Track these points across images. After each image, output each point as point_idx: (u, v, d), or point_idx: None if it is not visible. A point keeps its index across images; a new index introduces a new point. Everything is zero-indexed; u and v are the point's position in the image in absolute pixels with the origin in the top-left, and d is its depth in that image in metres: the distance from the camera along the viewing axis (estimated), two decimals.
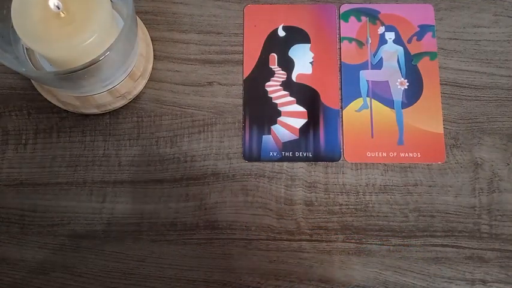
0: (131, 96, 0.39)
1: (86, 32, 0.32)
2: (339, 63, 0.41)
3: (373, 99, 0.40)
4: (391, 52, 0.41)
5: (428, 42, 0.41)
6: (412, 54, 0.41)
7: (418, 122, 0.39)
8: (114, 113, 0.40)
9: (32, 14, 0.32)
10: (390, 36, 0.41)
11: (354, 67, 0.41)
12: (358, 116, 0.40)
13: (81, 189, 0.38)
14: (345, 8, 0.42)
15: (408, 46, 0.41)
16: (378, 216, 0.38)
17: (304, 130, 0.39)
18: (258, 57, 0.41)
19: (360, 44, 0.41)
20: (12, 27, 0.32)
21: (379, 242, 0.37)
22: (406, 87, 0.40)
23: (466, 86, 0.40)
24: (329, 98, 0.40)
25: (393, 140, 0.39)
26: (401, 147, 0.39)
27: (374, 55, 0.41)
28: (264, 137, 0.39)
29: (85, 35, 0.32)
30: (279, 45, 0.41)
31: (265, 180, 0.38)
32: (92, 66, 0.31)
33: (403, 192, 0.38)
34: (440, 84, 0.40)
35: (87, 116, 0.39)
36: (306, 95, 0.40)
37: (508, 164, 0.39)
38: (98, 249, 0.37)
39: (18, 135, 0.39)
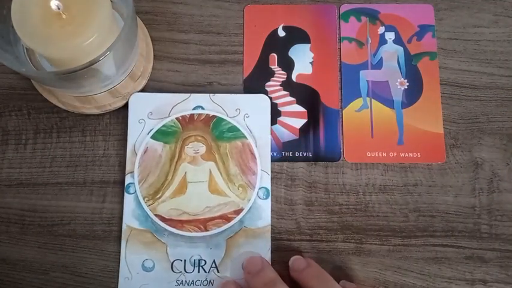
0: None
1: (86, 32, 0.32)
2: (339, 63, 0.41)
3: (373, 99, 0.40)
4: (391, 52, 0.41)
5: (428, 42, 0.41)
6: (412, 54, 0.41)
7: (418, 122, 0.39)
8: (114, 113, 0.40)
9: (32, 14, 0.32)
10: (390, 36, 0.41)
11: (354, 67, 0.41)
12: (358, 116, 0.40)
13: (81, 189, 0.38)
14: (345, 8, 0.42)
15: (408, 46, 0.41)
16: (377, 216, 0.38)
17: (304, 130, 0.39)
18: (258, 57, 0.41)
19: (360, 44, 0.41)
20: (12, 27, 0.32)
21: (379, 242, 0.37)
22: (406, 87, 0.40)
23: (466, 86, 0.40)
24: (329, 98, 0.40)
25: (393, 140, 0.39)
26: (401, 147, 0.39)
27: (374, 55, 0.41)
28: None
29: (85, 35, 0.32)
30: (279, 45, 0.41)
31: None
32: (92, 66, 0.31)
33: (403, 192, 0.38)
34: (440, 84, 0.40)
35: (87, 116, 0.39)
36: (306, 95, 0.40)
37: (508, 164, 0.39)
38: (98, 249, 0.37)
39: (18, 135, 0.39)
